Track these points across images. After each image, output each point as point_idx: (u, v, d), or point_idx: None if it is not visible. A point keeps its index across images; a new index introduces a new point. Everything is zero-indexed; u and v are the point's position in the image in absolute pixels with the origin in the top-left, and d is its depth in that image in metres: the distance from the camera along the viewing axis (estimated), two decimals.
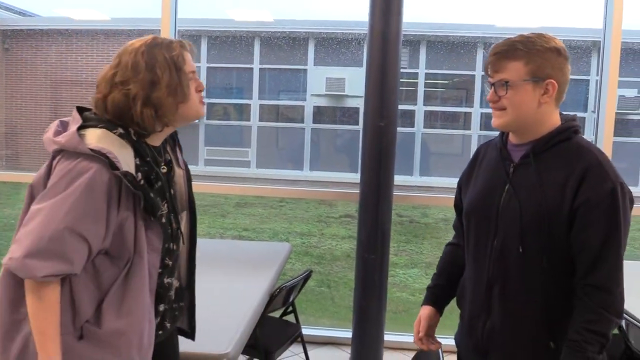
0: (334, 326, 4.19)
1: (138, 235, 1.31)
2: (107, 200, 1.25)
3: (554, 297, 1.39)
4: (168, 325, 1.51)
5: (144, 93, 1.30)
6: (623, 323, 2.19)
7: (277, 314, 2.82)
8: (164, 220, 1.38)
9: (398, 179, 3.10)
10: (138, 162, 1.31)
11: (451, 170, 10.65)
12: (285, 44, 11.58)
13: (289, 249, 3.12)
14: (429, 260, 7.11)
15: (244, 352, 2.42)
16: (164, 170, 1.41)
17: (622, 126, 10.88)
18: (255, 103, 11.78)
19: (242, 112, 12.03)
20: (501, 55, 1.38)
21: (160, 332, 1.47)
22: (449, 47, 10.83)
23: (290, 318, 2.86)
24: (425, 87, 11.24)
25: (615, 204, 1.31)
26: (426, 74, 11.16)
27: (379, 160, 3.00)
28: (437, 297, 1.65)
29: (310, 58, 11.48)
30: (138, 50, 1.32)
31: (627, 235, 1.34)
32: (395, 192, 3.11)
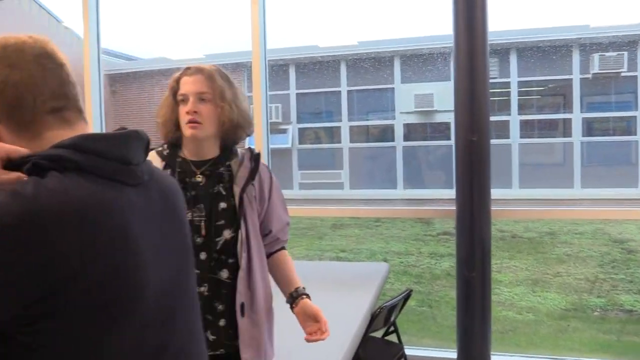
0: (437, 346, 4.09)
1: None
2: None
3: None
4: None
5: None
6: None
7: (379, 334, 2.81)
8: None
9: (496, 193, 3.01)
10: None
11: (553, 181, 10.12)
12: (371, 65, 11.68)
13: (387, 269, 3.11)
14: (536, 277, 6.76)
15: None
16: (200, 181, 1.55)
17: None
18: (345, 125, 11.92)
19: (333, 134, 12.21)
20: None
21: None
22: (540, 52, 10.41)
23: (393, 338, 2.84)
24: (518, 96, 10.84)
25: None
26: (519, 82, 10.77)
27: (473, 175, 2.94)
28: None
29: (397, 76, 11.48)
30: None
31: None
32: (494, 207, 3.02)
